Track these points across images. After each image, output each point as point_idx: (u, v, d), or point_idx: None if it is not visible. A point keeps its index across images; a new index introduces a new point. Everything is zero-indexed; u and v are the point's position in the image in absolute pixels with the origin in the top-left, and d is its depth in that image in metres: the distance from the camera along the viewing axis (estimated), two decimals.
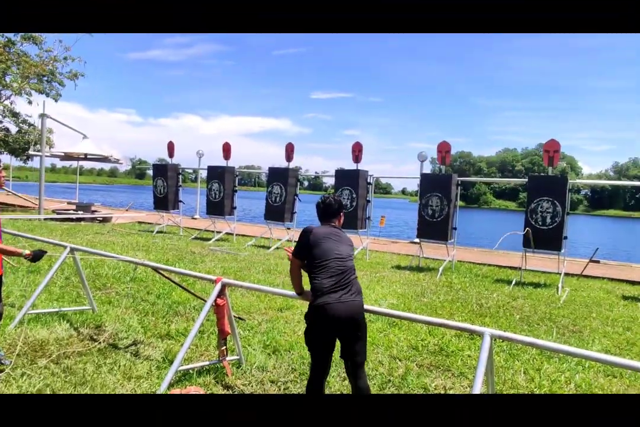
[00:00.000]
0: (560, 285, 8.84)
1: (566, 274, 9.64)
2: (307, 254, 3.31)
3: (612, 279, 10.31)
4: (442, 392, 3.95)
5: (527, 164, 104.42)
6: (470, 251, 14.52)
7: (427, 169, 12.80)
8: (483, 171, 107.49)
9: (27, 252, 3.81)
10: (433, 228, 10.59)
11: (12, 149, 21.72)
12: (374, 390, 3.89)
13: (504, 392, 3.93)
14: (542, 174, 10.88)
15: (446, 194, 10.48)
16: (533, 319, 6.50)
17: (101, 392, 3.56)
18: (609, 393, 4.08)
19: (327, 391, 3.81)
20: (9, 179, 34.66)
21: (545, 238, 9.29)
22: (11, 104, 21.58)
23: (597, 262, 12.21)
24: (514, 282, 9.12)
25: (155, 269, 5.05)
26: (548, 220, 9.26)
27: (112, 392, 3.56)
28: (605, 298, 8.28)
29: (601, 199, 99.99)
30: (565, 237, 9.24)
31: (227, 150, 14.49)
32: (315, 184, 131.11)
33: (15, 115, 21.64)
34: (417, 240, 12.11)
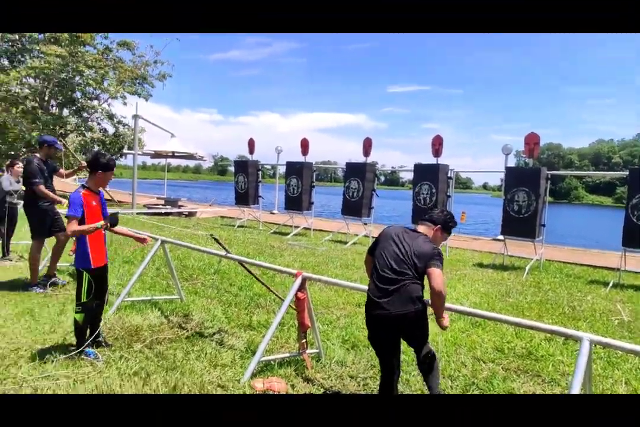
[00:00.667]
0: None
1: None
2: (373, 251, 3.31)
3: None
4: None
5: (625, 155, 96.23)
6: (560, 249, 13.63)
7: (512, 162, 12.14)
8: (574, 164, 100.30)
9: (102, 223, 4.04)
10: (519, 225, 10.04)
11: (109, 149, 23.48)
12: (456, 391, 3.78)
13: None
14: None
15: (534, 189, 9.89)
16: (635, 325, 5.98)
17: (190, 378, 3.75)
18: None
19: (406, 391, 3.75)
20: None
21: None
22: (108, 106, 23.35)
23: None
24: (611, 284, 8.44)
25: (241, 263, 5.22)
26: None
27: (200, 379, 3.73)
28: None
29: None
30: None
31: (305, 146, 14.69)
32: (392, 179, 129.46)
33: (111, 117, 23.36)
34: (501, 237, 11.57)
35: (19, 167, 7.51)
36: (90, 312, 4.15)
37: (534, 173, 10.12)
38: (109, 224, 4.10)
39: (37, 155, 6.23)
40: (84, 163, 5.65)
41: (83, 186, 4.16)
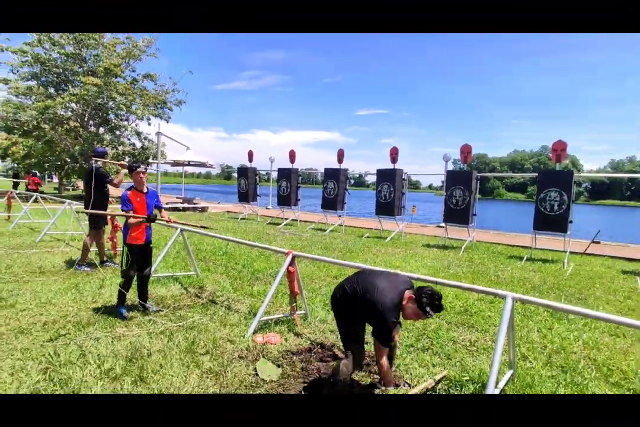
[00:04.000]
0: (566, 261, 8.23)
1: (571, 253, 8.96)
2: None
3: (611, 257, 9.47)
4: (468, 344, 3.77)
5: (534, 163, 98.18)
6: (487, 233, 13.84)
7: (450, 167, 12.18)
8: (497, 169, 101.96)
9: (144, 218, 4.17)
10: (457, 214, 10.16)
11: (137, 159, 22.89)
12: (411, 341, 3.78)
13: (520, 347, 3.70)
14: (549, 169, 10.14)
15: (468, 187, 10.01)
16: (543, 288, 6.09)
17: (205, 335, 3.68)
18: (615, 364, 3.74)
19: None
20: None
21: (553, 222, 8.67)
22: (136, 126, 22.75)
23: (598, 243, 11.26)
24: (525, 258, 8.60)
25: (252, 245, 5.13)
26: (556, 207, 8.62)
27: (212, 335, 3.67)
28: (606, 272, 7.62)
29: (600, 191, 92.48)
30: (571, 221, 8.57)
31: (292, 155, 14.58)
32: (359, 182, 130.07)
33: (138, 134, 22.77)
34: (442, 224, 11.69)
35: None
36: (128, 279, 4.20)
37: (468, 175, 10.23)
38: (148, 219, 4.20)
39: (99, 162, 6.06)
40: (122, 163, 5.94)
41: (130, 188, 4.23)
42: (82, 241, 6.57)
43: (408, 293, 2.66)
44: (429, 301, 2.56)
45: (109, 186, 6.12)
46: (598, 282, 6.62)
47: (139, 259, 4.22)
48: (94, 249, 6.35)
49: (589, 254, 9.71)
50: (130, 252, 4.14)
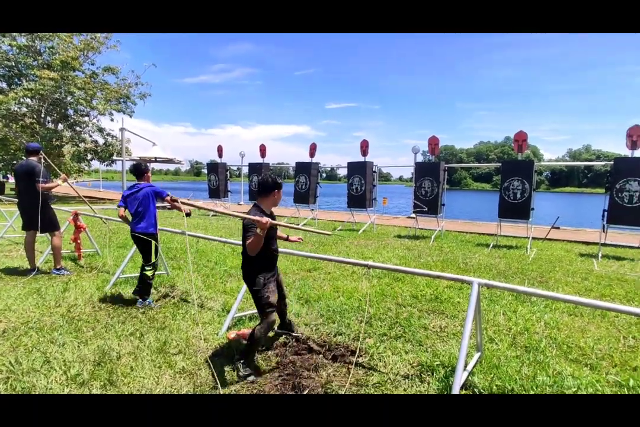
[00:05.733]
0: (528, 246, 8.61)
1: (533, 238, 9.38)
2: None
3: (570, 241, 10.00)
4: (438, 330, 3.88)
5: (498, 153, 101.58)
6: (455, 222, 14.24)
7: (419, 159, 12.33)
8: (464, 160, 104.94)
9: (187, 212, 4.47)
10: (426, 205, 10.39)
11: (100, 156, 21.96)
12: (384, 330, 3.83)
13: (487, 330, 3.84)
14: (512, 159, 10.49)
15: (436, 178, 10.25)
16: (508, 273, 6.34)
17: (177, 335, 3.60)
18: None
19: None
20: (99, 180, 35.23)
21: (516, 210, 9.03)
22: (98, 121, 21.78)
23: (558, 228, 11.83)
24: (491, 246, 8.92)
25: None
26: (518, 195, 8.98)
27: (185, 334, 3.60)
28: (565, 256, 8.03)
29: (559, 179, 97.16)
30: (532, 209, 8.95)
31: (263, 150, 14.41)
32: (331, 175, 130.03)
33: (100, 130, 21.81)
34: (413, 215, 11.92)
35: None
36: (156, 269, 4.48)
37: (435, 166, 10.45)
38: (188, 212, 4.51)
39: (35, 159, 5.55)
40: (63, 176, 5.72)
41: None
42: (46, 244, 6.23)
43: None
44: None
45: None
46: (558, 266, 6.96)
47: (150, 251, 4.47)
48: (64, 251, 6.02)
49: (550, 239, 10.19)
50: (148, 243, 4.38)
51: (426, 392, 2.74)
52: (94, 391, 2.68)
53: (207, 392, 2.70)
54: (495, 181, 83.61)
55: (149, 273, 4.42)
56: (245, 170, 17.21)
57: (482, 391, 2.76)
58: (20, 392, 2.65)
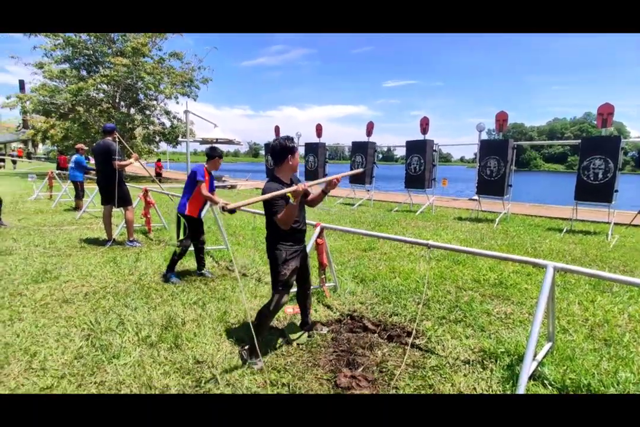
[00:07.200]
0: (610, 232, 7.75)
1: (615, 224, 8.42)
2: None
3: None
4: (503, 317, 3.64)
5: (575, 131, 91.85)
6: (522, 205, 13.25)
7: (484, 137, 11.41)
8: (534, 139, 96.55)
9: (222, 205, 4.27)
10: (491, 185, 9.72)
11: (167, 138, 23.26)
12: (443, 313, 3.67)
13: (560, 320, 3.53)
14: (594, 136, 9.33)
15: (503, 157, 9.50)
16: (585, 260, 5.77)
17: (236, 306, 3.73)
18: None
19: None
20: (167, 161, 37.52)
21: (597, 191, 8.11)
22: (165, 105, 22.98)
23: None
24: (565, 230, 8.17)
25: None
26: (600, 175, 8.04)
27: (243, 307, 3.72)
28: None
29: None
30: (616, 191, 7.98)
31: (319, 129, 14.34)
32: (387, 156, 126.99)
33: (167, 113, 23.01)
34: (475, 197, 11.25)
35: None
36: (185, 248, 4.53)
37: (503, 144, 9.68)
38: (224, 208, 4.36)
39: (110, 138, 5.98)
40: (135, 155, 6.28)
41: (202, 166, 4.48)
42: (121, 217, 6.76)
43: None
44: None
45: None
46: None
47: (195, 231, 4.53)
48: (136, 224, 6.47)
49: (636, 226, 9.09)
50: (188, 224, 4.44)
51: (489, 380, 2.58)
52: (162, 353, 2.87)
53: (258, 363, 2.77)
54: (571, 161, 76.20)
55: (177, 250, 4.48)
56: (301, 150, 17.22)
57: (553, 382, 2.54)
58: (99, 348, 2.92)
